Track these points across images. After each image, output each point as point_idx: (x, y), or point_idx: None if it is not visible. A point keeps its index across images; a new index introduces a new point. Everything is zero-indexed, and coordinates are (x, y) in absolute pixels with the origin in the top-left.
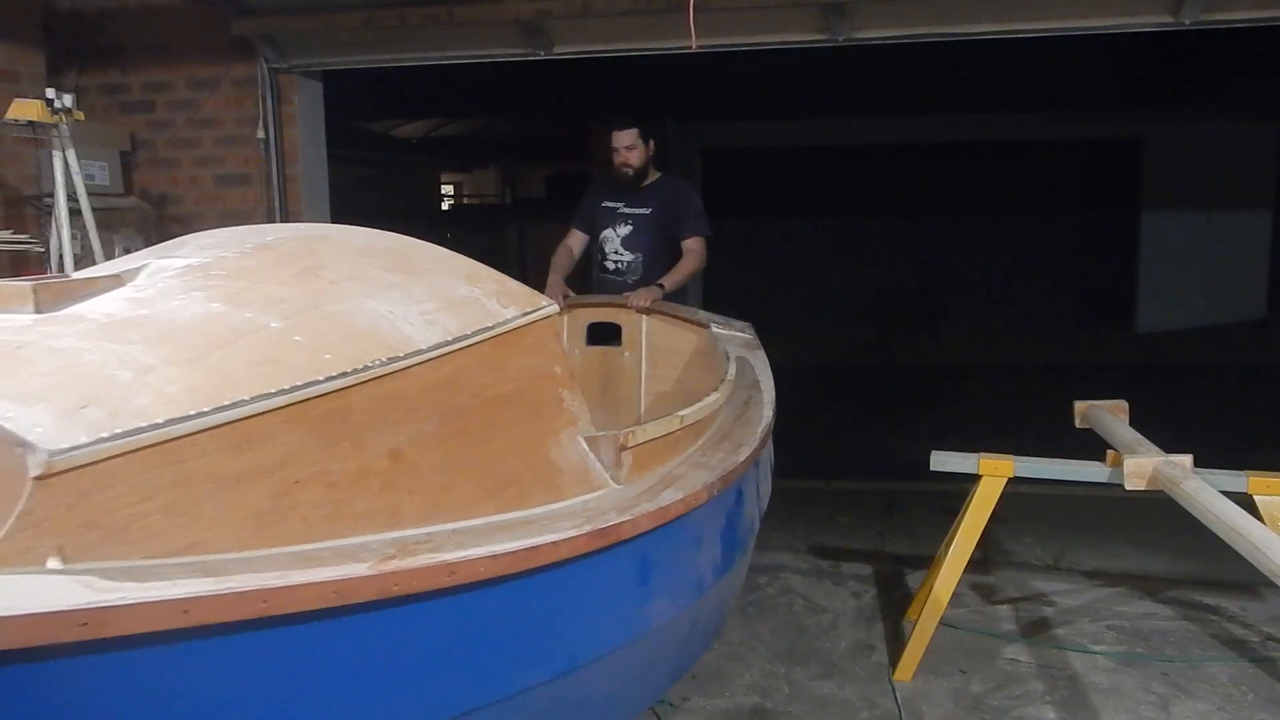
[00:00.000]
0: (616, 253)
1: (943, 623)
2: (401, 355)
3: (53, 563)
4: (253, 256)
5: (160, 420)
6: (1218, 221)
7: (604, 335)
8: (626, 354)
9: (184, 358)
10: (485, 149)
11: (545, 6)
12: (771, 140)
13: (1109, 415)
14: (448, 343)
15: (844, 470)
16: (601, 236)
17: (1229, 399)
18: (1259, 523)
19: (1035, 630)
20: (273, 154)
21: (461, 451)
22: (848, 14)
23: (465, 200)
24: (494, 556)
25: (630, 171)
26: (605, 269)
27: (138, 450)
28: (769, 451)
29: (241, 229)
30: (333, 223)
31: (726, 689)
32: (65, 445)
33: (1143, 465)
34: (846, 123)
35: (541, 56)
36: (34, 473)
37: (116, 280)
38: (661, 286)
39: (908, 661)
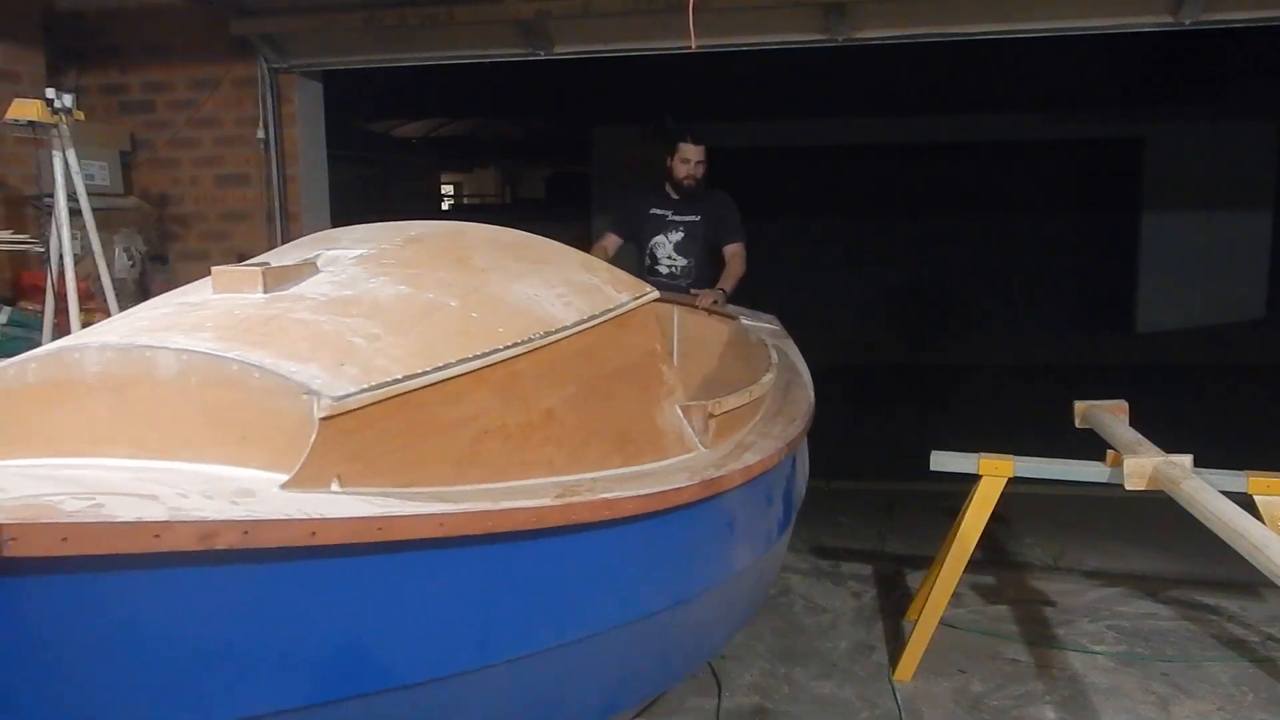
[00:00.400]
0: (670, 258)
1: (943, 623)
2: (553, 330)
3: (335, 486)
4: (408, 249)
5: (399, 376)
6: (1218, 221)
7: None
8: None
9: (397, 329)
10: (485, 149)
11: (545, 6)
12: (771, 140)
13: (1109, 415)
14: (582, 321)
15: (844, 470)
16: (652, 243)
17: (1229, 399)
18: (1259, 523)
19: (1035, 630)
20: (273, 154)
21: (594, 414)
22: (848, 14)
23: (465, 200)
24: (638, 497)
25: (694, 183)
26: (658, 273)
27: (385, 400)
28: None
29: (379, 225)
30: (332, 222)
31: (726, 689)
32: (340, 393)
33: (1143, 465)
34: (846, 123)
35: (541, 56)
36: (321, 414)
37: (313, 267)
38: (724, 290)
39: (908, 661)
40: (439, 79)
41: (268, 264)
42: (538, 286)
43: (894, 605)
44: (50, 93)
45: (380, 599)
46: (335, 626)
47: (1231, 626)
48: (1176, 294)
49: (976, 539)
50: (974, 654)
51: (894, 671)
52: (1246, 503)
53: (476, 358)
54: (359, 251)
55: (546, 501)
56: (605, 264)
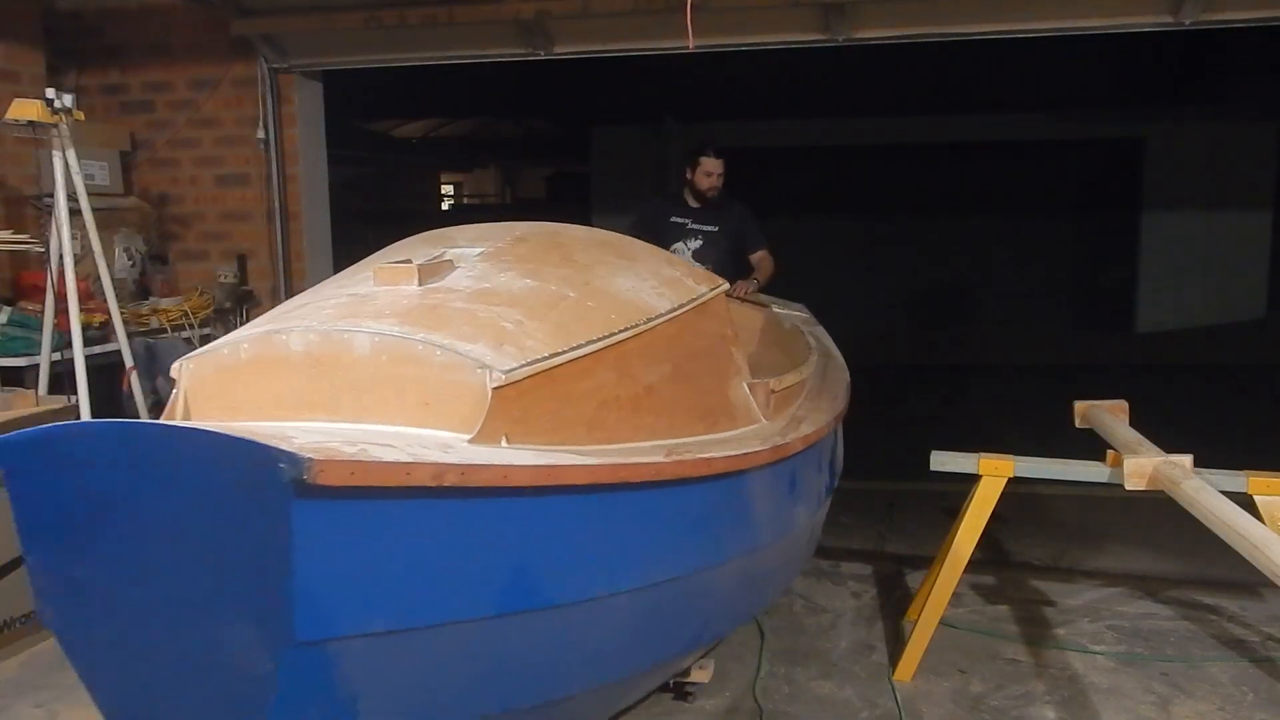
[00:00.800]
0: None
1: (943, 623)
2: (653, 318)
3: (504, 443)
4: (519, 247)
5: (546, 354)
6: (1218, 221)
7: None
8: None
9: (534, 316)
10: (485, 149)
11: (545, 6)
12: (771, 140)
13: (1109, 415)
14: (673, 309)
15: (844, 470)
16: (671, 249)
17: (1229, 399)
18: (1259, 523)
19: (1035, 630)
20: (273, 154)
21: (685, 389)
22: (848, 14)
23: (465, 200)
24: (729, 457)
25: (715, 194)
26: None
27: (537, 374)
28: None
29: (485, 226)
30: (332, 222)
31: (726, 689)
32: (508, 367)
33: (1143, 465)
34: (846, 123)
35: (541, 56)
36: (493, 385)
37: (450, 264)
38: (757, 280)
39: (908, 661)
40: (439, 79)
41: (409, 261)
42: (634, 280)
43: (894, 605)
44: (50, 93)
45: (540, 532)
46: (512, 552)
47: (1231, 626)
48: (1176, 294)
49: (976, 539)
50: (974, 654)
51: (894, 671)
52: (1246, 503)
53: (598, 340)
54: (479, 250)
55: (661, 458)
56: (680, 260)
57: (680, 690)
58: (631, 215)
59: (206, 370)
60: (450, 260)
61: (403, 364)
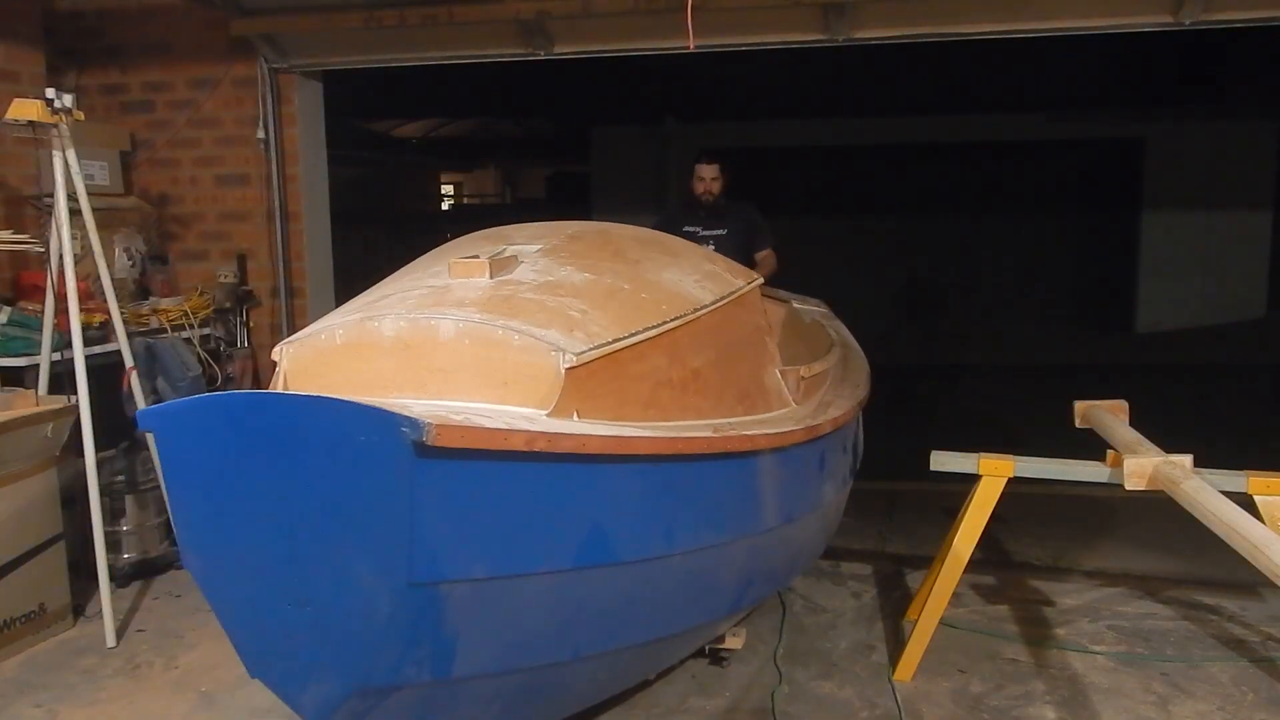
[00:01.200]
0: None
1: (943, 623)
2: (699, 308)
3: (575, 417)
4: (575, 243)
5: (609, 340)
6: (1218, 221)
7: None
8: None
9: (595, 306)
10: (485, 149)
11: (545, 6)
12: (771, 140)
13: (1109, 415)
14: (716, 301)
15: None
16: None
17: (1229, 399)
18: (1259, 523)
19: (1035, 630)
20: (273, 154)
21: (726, 374)
22: (848, 14)
23: (465, 200)
24: (769, 434)
25: (711, 199)
26: None
27: (602, 357)
28: None
29: (539, 225)
30: (332, 222)
31: (726, 689)
32: (578, 349)
33: (1143, 465)
34: (846, 123)
35: (541, 56)
36: (566, 366)
37: (515, 259)
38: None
39: (908, 661)
40: (439, 79)
41: (477, 256)
42: (678, 274)
43: (894, 605)
44: (50, 93)
45: (609, 496)
46: (587, 513)
47: (1231, 626)
48: (1176, 294)
49: (976, 539)
50: (974, 654)
51: (894, 671)
52: (1246, 503)
53: (653, 327)
54: (537, 246)
55: (710, 434)
56: (719, 255)
57: (715, 656)
58: (634, 215)
59: (305, 353)
60: (514, 256)
61: (484, 347)
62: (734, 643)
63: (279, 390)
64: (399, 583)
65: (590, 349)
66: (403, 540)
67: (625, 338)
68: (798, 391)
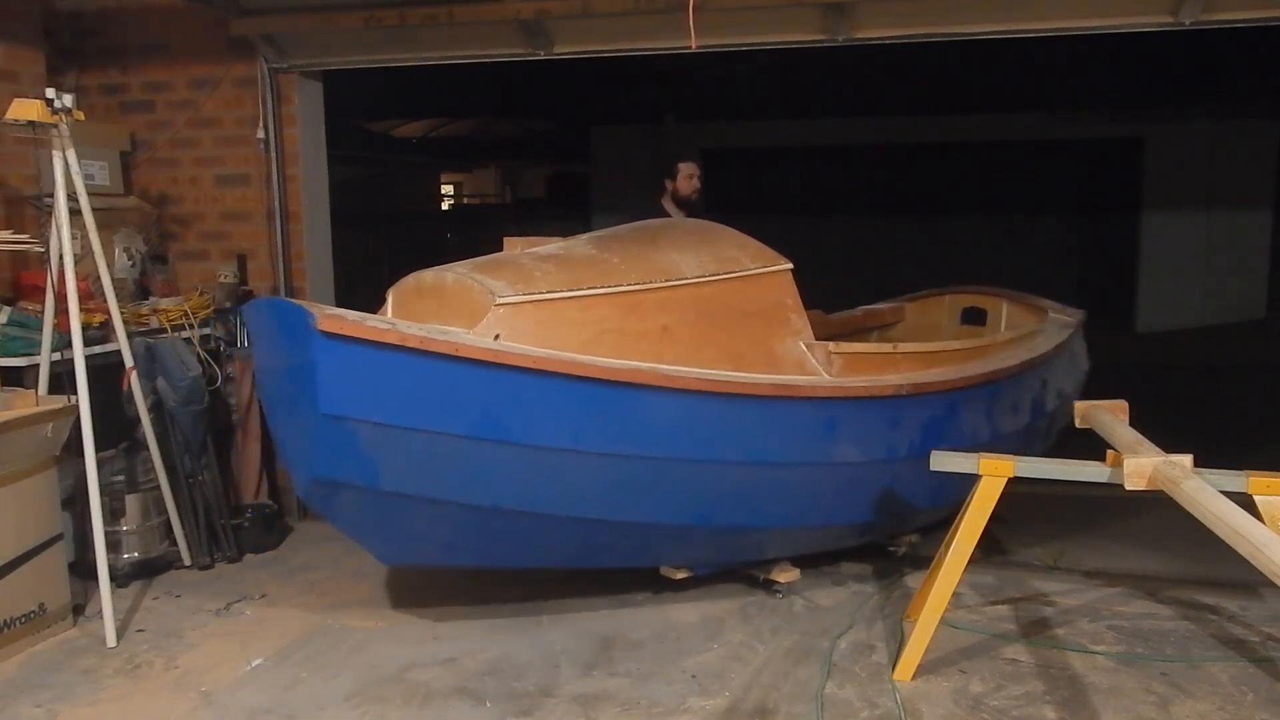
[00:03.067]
0: None
1: (943, 623)
2: (674, 279)
3: (495, 338)
4: (632, 232)
5: (544, 290)
6: (1218, 221)
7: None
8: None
9: (564, 268)
10: (485, 149)
11: (545, 6)
12: (771, 140)
13: (1109, 415)
14: (704, 276)
15: None
16: None
17: (1229, 399)
18: (1259, 523)
19: (1035, 630)
20: (273, 154)
21: (711, 334)
22: (848, 14)
23: (465, 200)
24: (743, 382)
25: (697, 196)
26: None
27: (532, 301)
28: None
29: (653, 220)
30: (332, 222)
31: (726, 689)
32: (508, 295)
33: (1143, 465)
34: (846, 123)
35: (541, 56)
36: (495, 304)
37: (561, 240)
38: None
39: (908, 661)
40: (439, 79)
41: (527, 235)
42: (687, 255)
43: (894, 605)
44: (50, 93)
45: (487, 392)
46: (472, 397)
47: (1231, 626)
48: (1176, 294)
49: (976, 539)
50: (974, 654)
51: (894, 671)
52: (1246, 503)
53: (604, 287)
54: (602, 232)
55: (626, 367)
56: (759, 246)
57: (769, 586)
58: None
59: (398, 293)
60: (564, 237)
61: (461, 291)
62: (784, 576)
63: (384, 314)
64: (316, 412)
65: (522, 296)
66: (312, 384)
67: (564, 290)
68: (828, 364)
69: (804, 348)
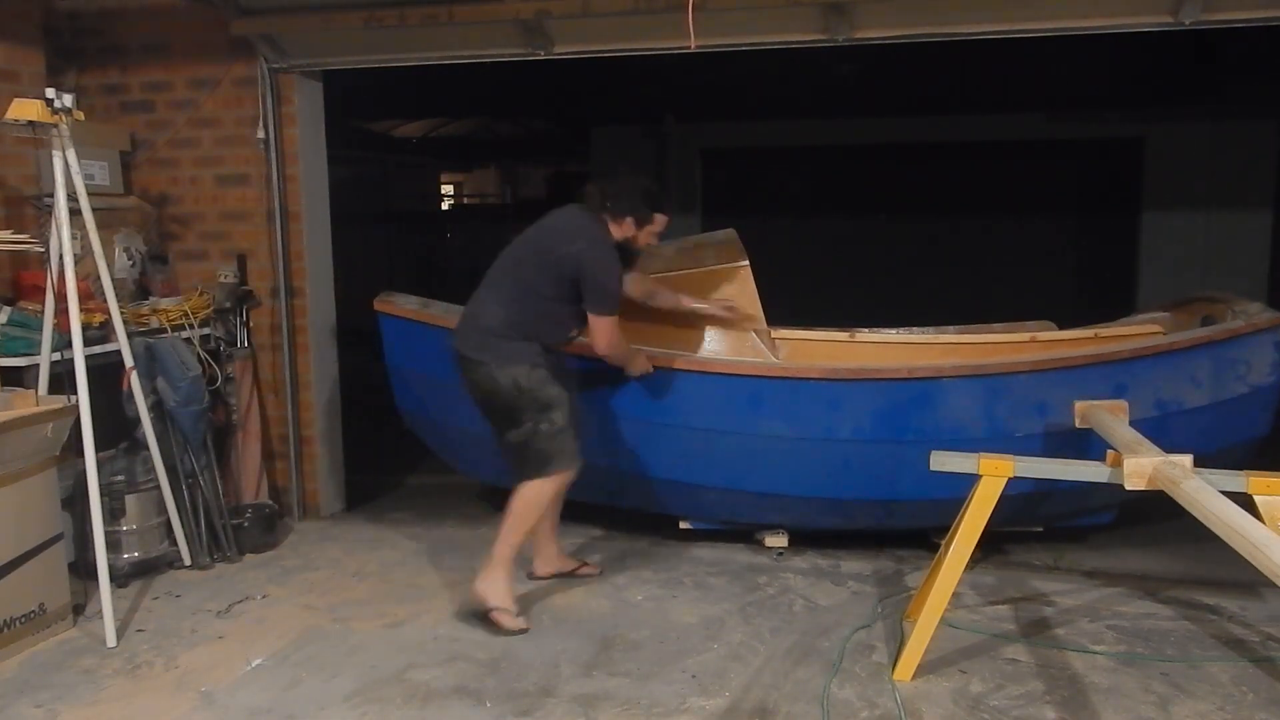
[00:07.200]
0: None
1: (943, 623)
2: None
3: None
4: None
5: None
6: (1218, 221)
7: None
8: None
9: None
10: (485, 149)
11: (545, 6)
12: (771, 140)
13: (1109, 415)
14: (664, 270)
15: None
16: None
17: None
18: (1259, 523)
19: (1035, 630)
20: (273, 154)
21: (665, 320)
22: (848, 14)
23: (465, 200)
24: (715, 359)
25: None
26: None
27: None
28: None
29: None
30: (332, 223)
31: (726, 689)
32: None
33: (1143, 465)
34: (846, 123)
35: (541, 56)
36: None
37: None
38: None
39: (908, 661)
40: (439, 79)
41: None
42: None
43: (894, 605)
44: (50, 93)
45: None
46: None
47: (1231, 626)
48: (1176, 294)
49: (976, 539)
50: (974, 654)
51: (894, 671)
52: (1246, 503)
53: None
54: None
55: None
56: (736, 247)
57: (765, 547)
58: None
59: None
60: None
61: None
62: (775, 542)
63: None
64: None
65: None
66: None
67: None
68: (774, 350)
69: (755, 337)
